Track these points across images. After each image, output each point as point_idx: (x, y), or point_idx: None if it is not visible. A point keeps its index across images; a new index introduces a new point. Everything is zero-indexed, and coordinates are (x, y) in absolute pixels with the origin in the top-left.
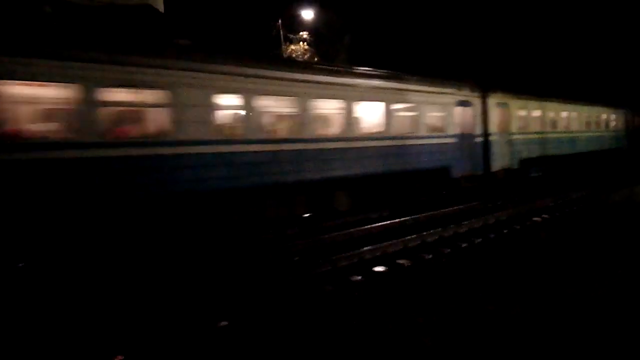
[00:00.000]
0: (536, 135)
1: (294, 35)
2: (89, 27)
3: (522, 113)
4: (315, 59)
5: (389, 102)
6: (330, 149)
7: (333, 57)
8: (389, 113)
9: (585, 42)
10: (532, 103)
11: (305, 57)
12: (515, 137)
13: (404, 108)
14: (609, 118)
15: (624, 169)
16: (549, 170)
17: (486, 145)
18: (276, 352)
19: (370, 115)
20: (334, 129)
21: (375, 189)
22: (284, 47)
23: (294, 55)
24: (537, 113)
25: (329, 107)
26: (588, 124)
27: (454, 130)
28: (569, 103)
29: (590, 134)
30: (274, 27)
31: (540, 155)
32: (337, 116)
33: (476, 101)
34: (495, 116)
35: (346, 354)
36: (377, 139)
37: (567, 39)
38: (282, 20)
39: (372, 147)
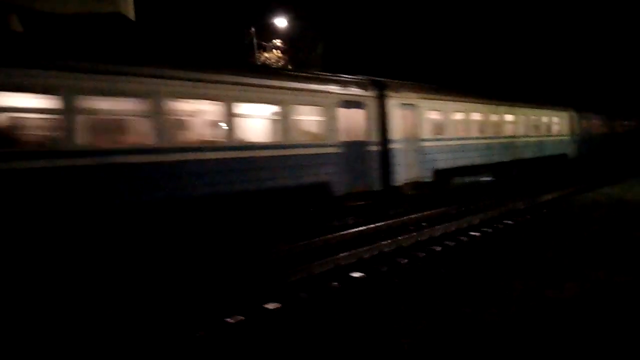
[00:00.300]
0: (457, 142)
1: (267, 43)
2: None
3: (437, 116)
4: (289, 67)
5: (231, 102)
6: (117, 165)
7: (307, 65)
8: (231, 116)
9: (521, 34)
10: (451, 104)
11: (279, 64)
12: (427, 144)
13: (258, 110)
14: (550, 120)
15: (563, 179)
16: (474, 182)
17: (386, 154)
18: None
19: (200, 119)
20: (128, 138)
21: (213, 217)
22: (257, 54)
23: (267, 63)
24: (458, 116)
25: (119, 108)
26: (526, 127)
27: (337, 137)
28: (501, 104)
29: (528, 138)
30: (247, 34)
31: (463, 165)
32: (133, 120)
33: (370, 101)
34: (399, 119)
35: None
36: (211, 149)
37: (500, 31)
38: (255, 28)
39: (203, 161)
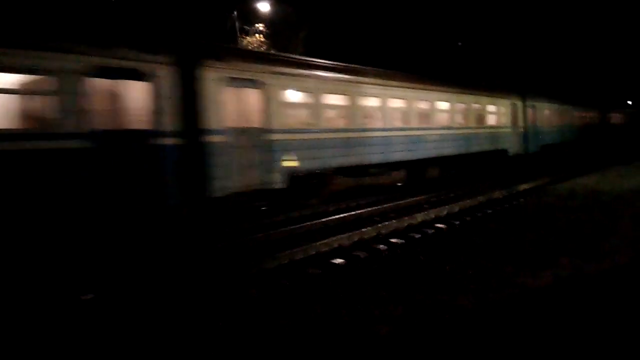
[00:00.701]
0: (333, 135)
1: (249, 27)
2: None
3: (302, 99)
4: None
5: None
6: None
7: (290, 50)
8: None
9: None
10: (325, 84)
11: (262, 49)
12: (279, 137)
13: None
14: (484, 109)
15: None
16: (364, 186)
17: (197, 151)
18: (236, 344)
19: None
20: None
21: None
22: (239, 38)
23: (249, 48)
24: (337, 100)
25: None
26: (447, 116)
27: (82, 124)
28: (407, 86)
29: (449, 131)
30: (229, 18)
31: (345, 166)
32: None
33: (163, 71)
34: (226, 101)
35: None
36: None
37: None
38: (238, 12)
39: None
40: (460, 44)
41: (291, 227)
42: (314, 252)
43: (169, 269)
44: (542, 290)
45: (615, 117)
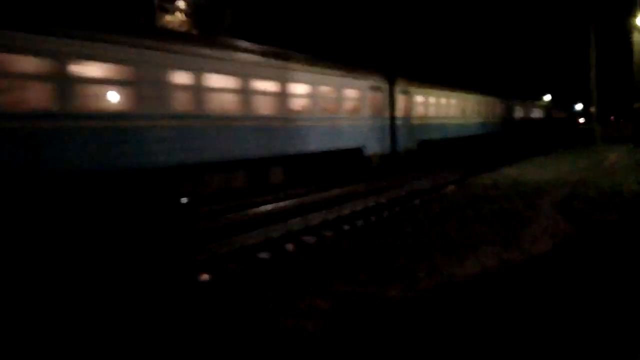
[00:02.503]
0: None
1: (169, 3)
2: None
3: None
4: (193, 32)
5: None
6: None
7: (214, 31)
8: None
9: None
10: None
11: (183, 29)
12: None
13: None
14: (319, 92)
15: None
16: None
17: None
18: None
19: None
20: None
21: None
22: (157, 16)
23: (170, 27)
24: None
25: None
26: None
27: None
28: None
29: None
30: None
31: None
32: None
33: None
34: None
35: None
36: None
37: None
38: None
39: None
40: None
41: None
42: None
43: None
44: (468, 279)
45: (523, 110)
